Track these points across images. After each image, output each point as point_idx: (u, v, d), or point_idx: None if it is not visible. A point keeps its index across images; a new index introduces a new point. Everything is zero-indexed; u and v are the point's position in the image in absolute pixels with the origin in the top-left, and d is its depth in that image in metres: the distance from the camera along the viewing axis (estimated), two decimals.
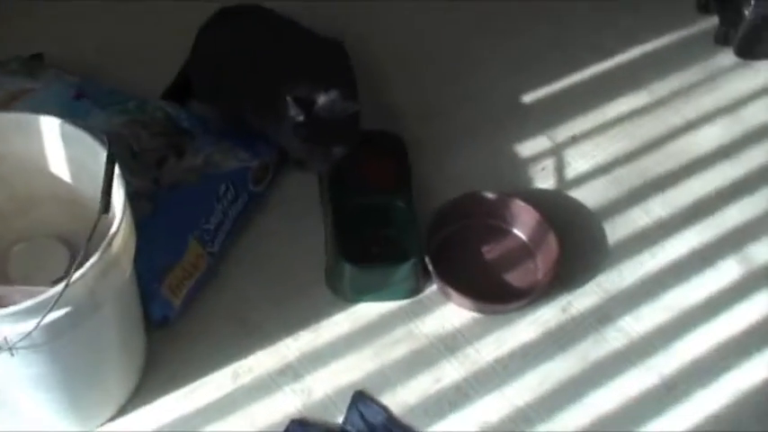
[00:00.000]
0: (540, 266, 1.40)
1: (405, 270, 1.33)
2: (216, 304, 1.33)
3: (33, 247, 1.21)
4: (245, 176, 1.39)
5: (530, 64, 1.68)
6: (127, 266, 1.04)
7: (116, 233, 0.97)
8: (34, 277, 1.17)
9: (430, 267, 1.35)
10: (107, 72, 1.53)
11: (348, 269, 1.32)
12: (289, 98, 1.27)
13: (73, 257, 1.20)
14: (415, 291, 1.36)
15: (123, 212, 0.99)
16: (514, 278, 1.39)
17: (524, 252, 1.42)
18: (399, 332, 1.33)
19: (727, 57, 1.72)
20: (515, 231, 1.44)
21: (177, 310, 1.27)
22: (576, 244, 1.41)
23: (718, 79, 1.69)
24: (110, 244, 0.97)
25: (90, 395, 1.14)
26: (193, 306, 1.31)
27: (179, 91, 1.53)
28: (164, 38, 1.61)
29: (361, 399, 1.25)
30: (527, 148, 1.56)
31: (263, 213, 1.44)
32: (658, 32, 1.76)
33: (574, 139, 1.58)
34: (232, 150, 1.42)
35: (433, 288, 1.37)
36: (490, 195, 1.43)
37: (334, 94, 1.28)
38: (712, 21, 1.77)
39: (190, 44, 1.49)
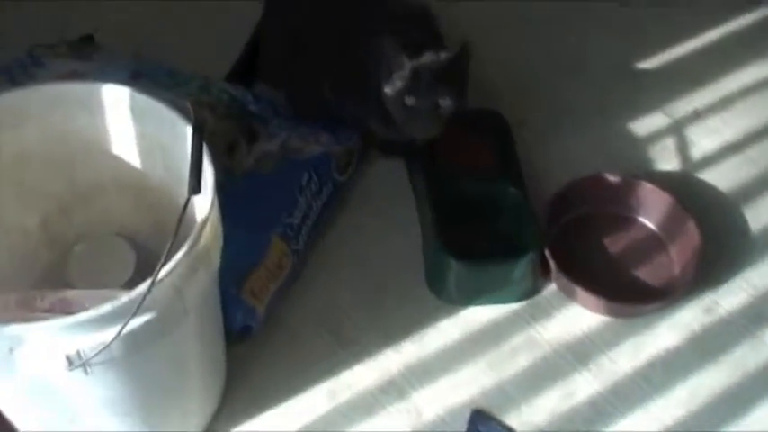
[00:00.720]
0: (675, 260, 1.19)
1: (522, 267, 1.13)
2: (303, 312, 1.14)
3: (96, 246, 1.02)
4: (328, 163, 1.20)
5: (634, 33, 1.49)
6: (215, 262, 0.84)
7: (207, 219, 0.78)
8: (98, 281, 0.98)
9: (551, 263, 1.15)
10: (161, 53, 1.34)
11: (454, 267, 1.13)
12: (390, 43, 1.10)
13: (140, 258, 1.01)
14: (532, 291, 1.16)
15: (213, 195, 0.80)
16: (646, 274, 1.19)
17: (655, 243, 1.22)
18: (518, 339, 1.13)
19: None
20: (642, 220, 1.24)
21: (261, 319, 1.08)
22: (713, 234, 1.20)
23: None
24: (200, 233, 0.78)
25: (169, 420, 0.94)
26: (277, 314, 1.12)
27: (245, 72, 1.34)
28: (223, 13, 1.44)
29: (480, 419, 1.05)
30: (642, 125, 1.37)
31: (348, 206, 1.24)
32: None
33: (696, 115, 1.38)
34: (312, 134, 1.23)
35: (551, 287, 1.18)
36: (612, 178, 1.23)
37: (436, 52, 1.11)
38: None
39: (253, 19, 1.31)
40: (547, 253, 1.15)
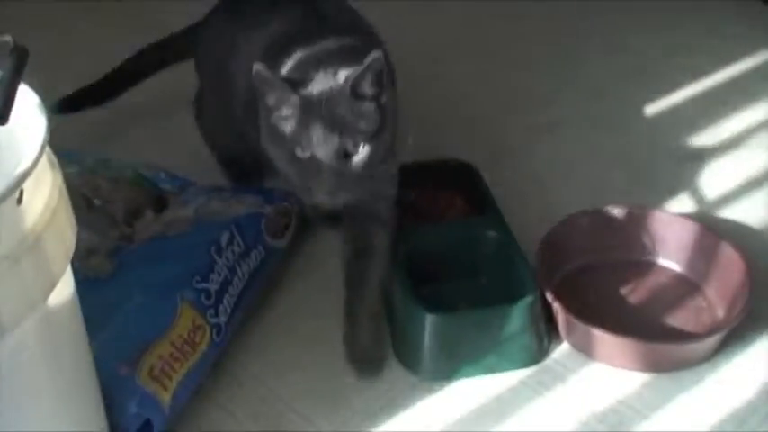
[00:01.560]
0: (716, 300, 0.92)
1: (519, 314, 0.85)
2: (231, 404, 0.83)
3: None
4: (256, 224, 0.94)
5: (614, 86, 1.30)
6: (58, 263, 0.57)
7: (27, 173, 0.52)
8: None
9: (558, 310, 0.87)
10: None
11: (430, 324, 0.84)
12: (258, 67, 0.78)
13: None
14: (537, 352, 0.87)
15: (43, 141, 0.54)
16: (683, 323, 0.90)
17: (683, 286, 0.94)
18: (528, 415, 0.82)
19: None
20: (660, 261, 0.97)
21: (167, 413, 0.77)
22: (756, 270, 0.92)
23: None
24: (17, 194, 0.51)
25: None
26: (192, 411, 0.81)
27: (82, 98, 1.11)
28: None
29: None
30: (642, 168, 1.14)
31: (291, 277, 0.98)
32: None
33: (699, 158, 1.16)
34: (236, 197, 0.98)
35: (561, 349, 0.88)
36: (616, 211, 0.98)
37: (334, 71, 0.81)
38: None
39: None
40: (549, 297, 0.87)
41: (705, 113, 1.24)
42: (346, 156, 0.79)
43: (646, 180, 1.12)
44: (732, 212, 1.06)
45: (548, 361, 0.87)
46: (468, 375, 0.85)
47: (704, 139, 1.19)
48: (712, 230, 0.94)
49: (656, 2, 1.47)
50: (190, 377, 0.80)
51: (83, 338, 0.65)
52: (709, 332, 0.86)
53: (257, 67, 0.77)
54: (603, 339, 0.84)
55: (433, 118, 1.18)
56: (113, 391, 0.74)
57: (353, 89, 0.78)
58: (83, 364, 0.65)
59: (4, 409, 0.55)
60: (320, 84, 0.79)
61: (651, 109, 1.26)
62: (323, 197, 0.81)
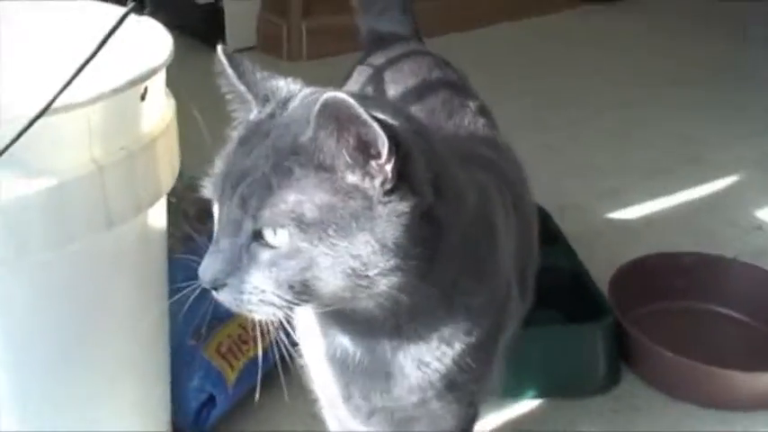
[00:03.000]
0: None
1: (593, 336, 0.83)
2: (301, 396, 0.80)
3: None
4: None
5: (674, 165, 1.32)
6: (165, 177, 0.58)
7: (157, 68, 0.53)
8: None
9: (633, 331, 0.84)
10: None
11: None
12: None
13: None
14: (610, 378, 0.84)
15: (170, 53, 0.55)
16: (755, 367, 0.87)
17: (754, 335, 0.92)
18: None
19: None
20: (730, 310, 0.94)
21: (231, 392, 0.75)
22: None
23: None
24: (142, 89, 0.52)
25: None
26: (263, 396, 0.78)
27: None
28: None
29: None
30: (705, 235, 1.13)
31: None
32: None
33: (762, 228, 1.15)
34: None
35: (633, 379, 0.85)
36: (687, 257, 0.97)
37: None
38: None
39: None
40: (626, 324, 0.85)
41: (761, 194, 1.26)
42: (256, 238, 0.48)
43: (709, 246, 1.10)
44: None
45: (618, 390, 0.84)
46: (538, 396, 0.82)
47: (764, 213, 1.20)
48: None
49: (722, 103, 1.53)
50: (256, 363, 0.78)
51: (165, 281, 0.64)
52: None
53: (219, 49, 0.48)
54: (682, 369, 0.81)
55: None
56: (179, 362, 0.72)
57: (314, 140, 0.45)
58: (160, 307, 0.64)
59: (82, 312, 0.54)
60: (293, 111, 0.47)
61: (709, 187, 1.27)
62: (204, 281, 0.49)
